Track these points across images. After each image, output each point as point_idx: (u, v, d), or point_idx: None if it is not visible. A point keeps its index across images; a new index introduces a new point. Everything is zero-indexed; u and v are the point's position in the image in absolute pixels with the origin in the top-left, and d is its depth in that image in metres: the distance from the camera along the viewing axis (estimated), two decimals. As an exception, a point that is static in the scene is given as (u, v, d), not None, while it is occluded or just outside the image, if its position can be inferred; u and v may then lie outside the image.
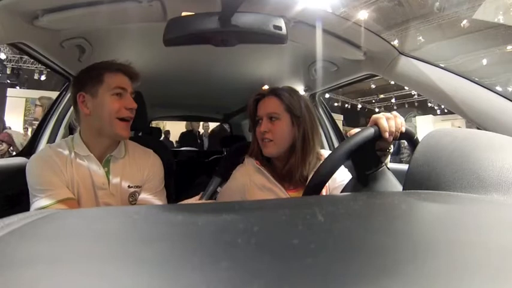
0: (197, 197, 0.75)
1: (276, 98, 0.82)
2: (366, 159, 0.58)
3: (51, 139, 1.27)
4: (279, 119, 0.81)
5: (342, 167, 0.57)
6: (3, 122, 2.59)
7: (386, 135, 0.56)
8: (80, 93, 0.77)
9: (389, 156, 0.63)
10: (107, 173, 0.79)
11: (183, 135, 4.17)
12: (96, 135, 0.79)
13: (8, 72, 7.21)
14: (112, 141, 0.81)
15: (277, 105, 0.82)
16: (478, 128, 0.69)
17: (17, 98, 6.79)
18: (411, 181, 0.44)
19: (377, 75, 1.00)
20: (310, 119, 0.83)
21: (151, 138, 1.29)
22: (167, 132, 6.97)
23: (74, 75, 1.15)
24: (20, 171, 0.76)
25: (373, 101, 11.96)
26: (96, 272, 0.17)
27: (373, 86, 10.14)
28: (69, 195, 0.72)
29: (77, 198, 0.75)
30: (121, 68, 0.80)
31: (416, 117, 9.04)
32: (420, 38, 6.70)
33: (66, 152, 0.77)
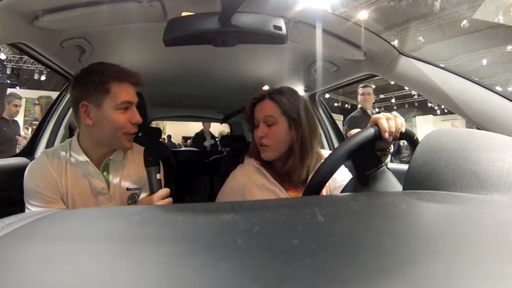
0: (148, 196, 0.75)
1: (272, 101, 0.81)
2: (366, 159, 0.58)
3: (51, 139, 1.27)
4: (275, 123, 0.80)
5: (342, 167, 0.57)
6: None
7: (386, 135, 0.56)
8: (83, 103, 0.72)
9: (389, 156, 0.63)
10: (106, 177, 0.78)
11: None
12: (97, 144, 0.76)
13: (8, 72, 7.21)
14: (112, 149, 0.79)
15: (274, 109, 0.80)
16: (478, 128, 0.69)
17: (17, 98, 6.78)
18: (411, 181, 0.44)
19: (377, 75, 1.00)
20: (309, 121, 0.82)
21: (151, 139, 1.29)
22: (169, 137, 6.80)
23: (74, 75, 1.15)
24: (20, 171, 0.76)
25: (373, 101, 11.94)
26: (97, 272, 0.17)
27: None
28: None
29: (72, 207, 0.74)
30: (128, 78, 0.75)
31: (416, 117, 9.04)
32: (420, 38, 6.70)
33: (63, 161, 0.75)
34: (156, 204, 0.70)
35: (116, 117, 0.72)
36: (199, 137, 3.88)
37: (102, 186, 0.77)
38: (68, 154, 0.76)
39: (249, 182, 0.82)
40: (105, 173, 0.78)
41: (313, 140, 0.82)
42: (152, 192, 0.72)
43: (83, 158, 0.75)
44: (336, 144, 1.54)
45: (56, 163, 0.74)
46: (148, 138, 1.49)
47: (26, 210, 0.71)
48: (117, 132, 0.73)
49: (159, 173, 0.73)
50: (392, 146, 0.62)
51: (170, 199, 0.73)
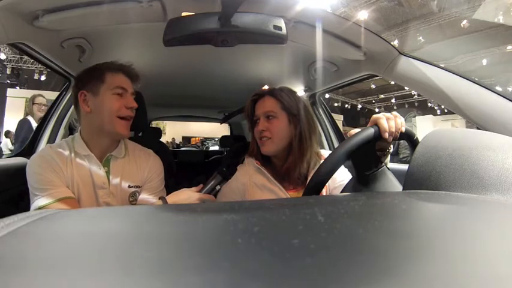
0: (195, 188, 0.75)
1: (272, 97, 0.83)
2: (366, 159, 0.58)
3: (51, 139, 1.27)
4: (276, 117, 0.82)
5: (342, 166, 0.57)
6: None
7: (386, 135, 0.56)
8: (82, 92, 0.78)
9: (389, 156, 0.63)
10: (107, 173, 0.79)
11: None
12: (97, 134, 0.79)
13: (8, 72, 7.22)
14: (112, 141, 0.81)
15: (274, 104, 0.82)
16: (478, 128, 0.69)
17: (17, 98, 6.79)
18: (411, 181, 0.44)
19: (377, 75, 1.00)
20: (307, 118, 0.83)
21: (151, 139, 1.29)
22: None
23: (74, 75, 1.15)
24: (20, 171, 0.76)
25: (373, 101, 11.98)
26: (97, 272, 0.17)
27: (373, 86, 10.16)
28: (69, 194, 0.72)
29: (77, 198, 0.75)
30: (122, 68, 0.81)
31: (416, 117, 9.04)
32: (420, 38, 6.70)
33: (67, 152, 0.77)
34: (193, 198, 0.73)
35: (111, 100, 0.77)
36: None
37: (102, 181, 0.78)
38: (72, 147, 0.78)
39: (249, 182, 0.83)
40: (106, 168, 0.79)
41: (312, 135, 0.83)
42: (200, 190, 0.75)
43: (85, 151, 0.78)
44: (336, 144, 1.54)
45: (60, 154, 0.76)
46: (148, 138, 1.49)
47: (32, 201, 0.71)
48: (111, 115, 0.77)
49: (220, 185, 0.76)
50: (392, 146, 0.62)
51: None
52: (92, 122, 0.79)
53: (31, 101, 2.58)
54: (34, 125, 2.48)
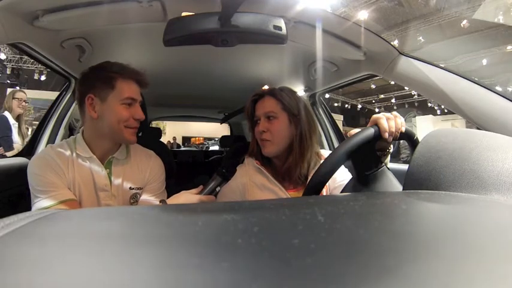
0: (195, 190, 0.75)
1: (273, 97, 0.83)
2: (366, 159, 0.58)
3: (51, 139, 1.27)
4: (276, 118, 0.81)
5: (342, 166, 0.57)
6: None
7: (386, 135, 0.56)
8: (89, 95, 0.75)
9: (389, 156, 0.63)
10: (109, 175, 0.79)
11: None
12: (100, 138, 0.78)
13: (8, 72, 7.22)
14: (114, 144, 0.81)
15: (275, 105, 0.82)
16: (478, 128, 0.69)
17: (16, 98, 6.77)
18: (411, 181, 0.44)
19: (377, 75, 1.00)
20: (308, 118, 0.83)
21: (151, 139, 1.29)
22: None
23: (74, 75, 1.15)
24: (20, 171, 0.76)
25: (373, 101, 11.98)
26: (96, 272, 0.17)
27: (373, 86, 10.16)
28: (70, 197, 0.72)
29: (78, 200, 0.75)
30: (134, 76, 0.78)
31: (416, 117, 9.04)
32: (420, 38, 6.70)
33: (68, 153, 0.76)
34: (193, 200, 0.71)
35: (119, 111, 0.75)
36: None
37: (104, 183, 0.78)
38: (74, 149, 0.77)
39: (249, 182, 0.83)
40: (107, 170, 0.79)
41: (312, 135, 0.83)
42: (200, 192, 0.74)
43: (87, 153, 0.77)
44: (336, 144, 1.54)
45: (62, 154, 0.75)
46: (148, 138, 1.48)
47: (33, 203, 0.71)
48: (119, 125, 0.75)
49: (220, 186, 0.76)
50: (392, 146, 0.62)
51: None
52: (97, 127, 0.77)
53: (11, 96, 2.39)
54: (11, 122, 2.31)
